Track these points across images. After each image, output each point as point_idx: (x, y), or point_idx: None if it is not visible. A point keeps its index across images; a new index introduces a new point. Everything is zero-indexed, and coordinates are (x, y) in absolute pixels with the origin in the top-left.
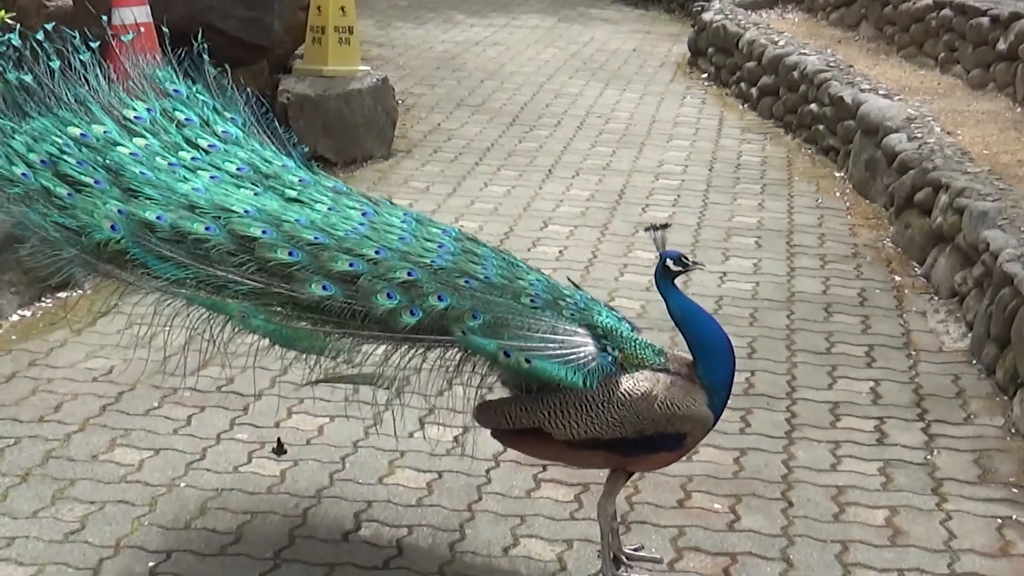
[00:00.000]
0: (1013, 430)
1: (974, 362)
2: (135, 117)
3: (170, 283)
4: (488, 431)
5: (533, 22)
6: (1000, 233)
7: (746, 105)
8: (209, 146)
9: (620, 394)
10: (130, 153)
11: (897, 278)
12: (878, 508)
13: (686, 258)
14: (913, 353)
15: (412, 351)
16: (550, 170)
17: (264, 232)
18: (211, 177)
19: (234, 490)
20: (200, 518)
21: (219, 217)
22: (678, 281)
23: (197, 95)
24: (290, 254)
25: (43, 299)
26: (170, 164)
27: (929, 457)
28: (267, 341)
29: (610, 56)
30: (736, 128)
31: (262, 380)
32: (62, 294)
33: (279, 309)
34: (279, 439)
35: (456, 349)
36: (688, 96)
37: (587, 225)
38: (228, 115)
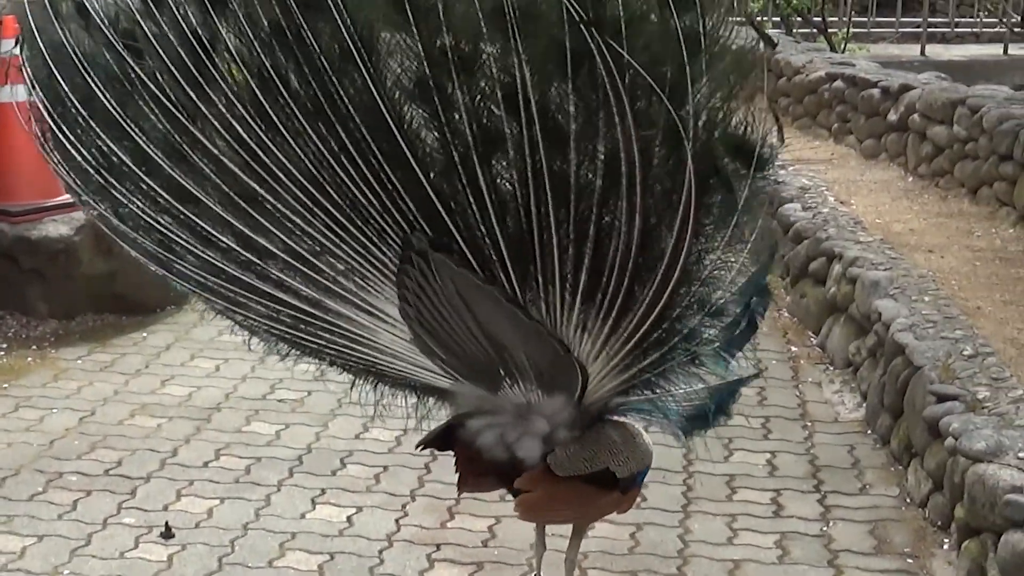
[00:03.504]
0: (908, 500)
1: (869, 432)
2: None
3: None
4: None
5: None
6: (892, 303)
7: None
8: None
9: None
10: None
11: (793, 348)
12: None
13: None
14: (809, 424)
15: None
16: None
17: None
18: None
19: None
20: None
21: None
22: None
23: None
24: None
25: None
26: None
27: (825, 528)
28: None
29: None
30: None
31: (151, 462)
32: None
33: None
34: (167, 523)
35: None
36: None
37: None
38: None
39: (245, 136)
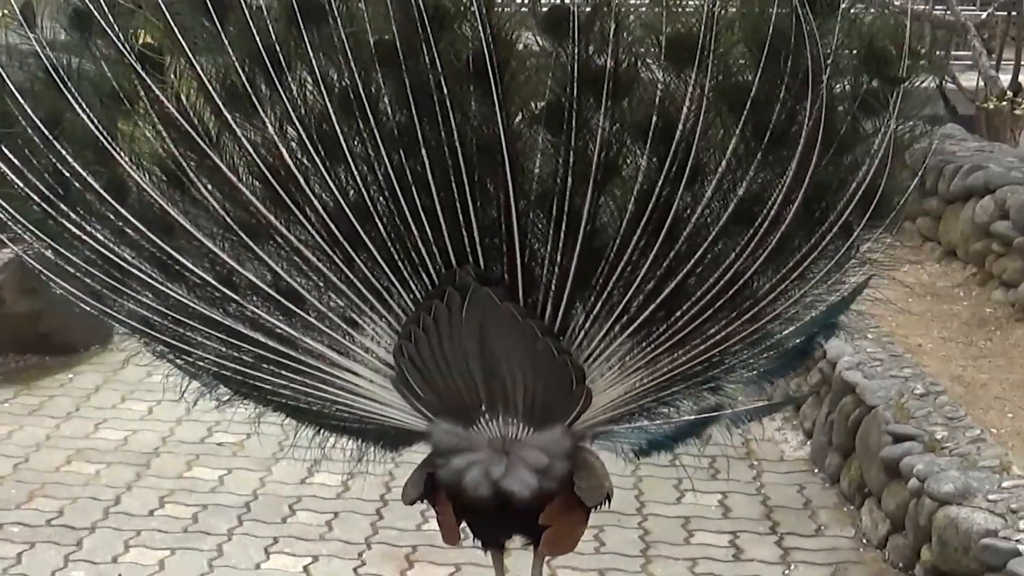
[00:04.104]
0: (865, 541)
1: (816, 471)
2: None
3: None
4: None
5: None
6: (835, 340)
7: None
8: None
9: None
10: None
11: None
12: None
13: None
14: (756, 463)
15: None
16: None
17: None
18: None
19: None
20: None
21: None
22: None
23: None
24: None
25: None
26: None
27: (787, 572)
28: None
29: None
30: None
31: (94, 511)
32: None
33: None
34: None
35: None
36: None
37: None
38: None
39: (287, 159)
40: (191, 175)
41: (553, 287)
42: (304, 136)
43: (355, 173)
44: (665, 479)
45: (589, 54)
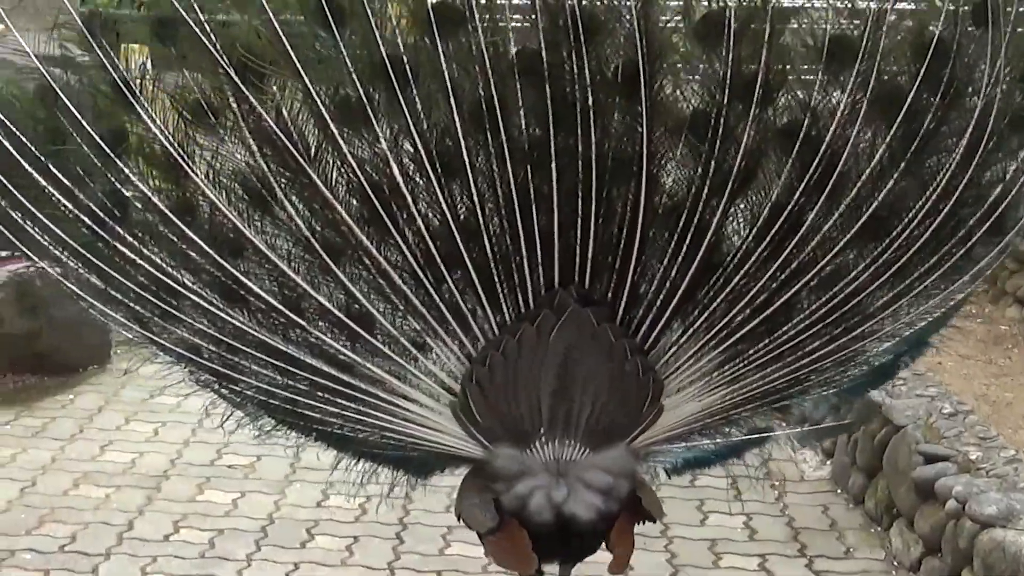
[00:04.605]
0: (896, 563)
1: (839, 491)
2: None
3: None
4: None
5: None
6: None
7: None
8: None
9: None
10: None
11: None
12: None
13: None
14: (777, 483)
15: None
16: None
17: None
18: None
19: None
20: None
21: None
22: None
23: None
24: None
25: None
26: None
27: None
28: None
29: None
30: None
31: (107, 536)
32: None
33: None
34: None
35: None
36: None
37: None
38: None
39: (397, 176)
40: (279, 193)
41: (657, 303)
42: (422, 151)
43: (472, 190)
44: (687, 500)
45: (741, 60)
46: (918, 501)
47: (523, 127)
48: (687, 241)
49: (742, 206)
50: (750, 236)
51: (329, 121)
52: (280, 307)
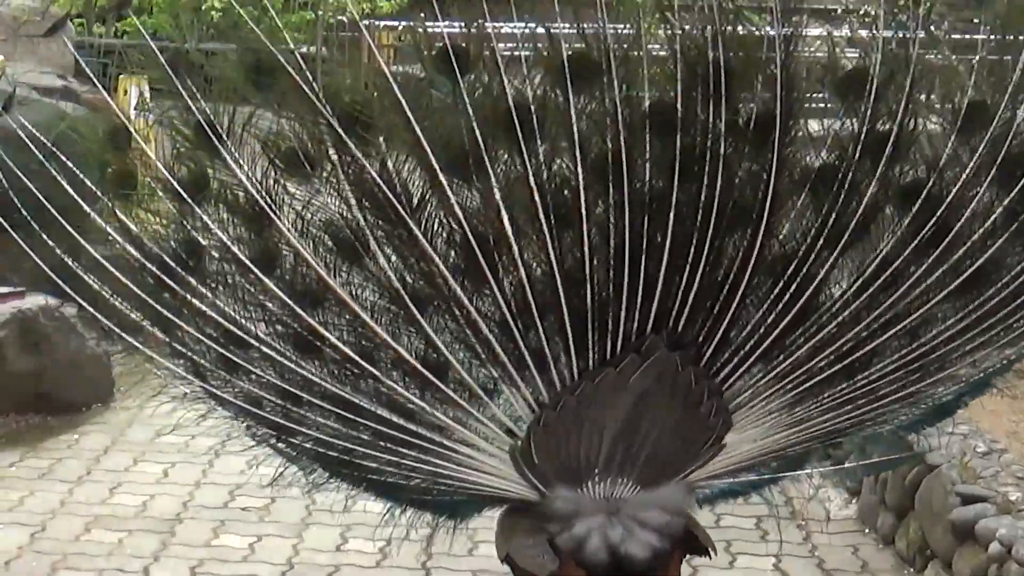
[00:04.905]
0: None
1: (867, 531)
2: None
3: None
4: None
5: None
6: None
7: None
8: None
9: None
10: None
11: None
12: None
13: None
14: (803, 523)
15: None
16: None
17: None
18: None
19: None
20: None
21: None
22: None
23: None
24: None
25: None
26: None
27: None
28: None
29: None
30: None
31: None
32: None
33: None
34: None
35: None
36: None
37: None
38: None
39: (506, 225)
40: (372, 244)
41: (745, 348)
42: (538, 202)
43: (583, 239)
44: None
45: (877, 117)
46: (956, 543)
47: (647, 178)
48: (790, 290)
49: (853, 259)
50: (851, 288)
51: (438, 171)
52: (355, 357)
